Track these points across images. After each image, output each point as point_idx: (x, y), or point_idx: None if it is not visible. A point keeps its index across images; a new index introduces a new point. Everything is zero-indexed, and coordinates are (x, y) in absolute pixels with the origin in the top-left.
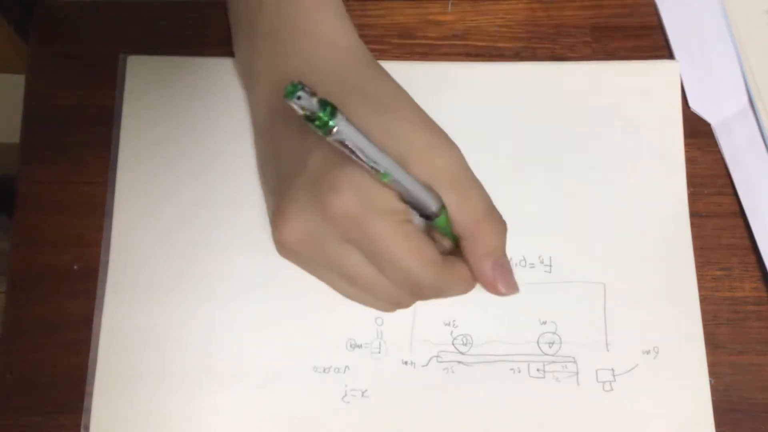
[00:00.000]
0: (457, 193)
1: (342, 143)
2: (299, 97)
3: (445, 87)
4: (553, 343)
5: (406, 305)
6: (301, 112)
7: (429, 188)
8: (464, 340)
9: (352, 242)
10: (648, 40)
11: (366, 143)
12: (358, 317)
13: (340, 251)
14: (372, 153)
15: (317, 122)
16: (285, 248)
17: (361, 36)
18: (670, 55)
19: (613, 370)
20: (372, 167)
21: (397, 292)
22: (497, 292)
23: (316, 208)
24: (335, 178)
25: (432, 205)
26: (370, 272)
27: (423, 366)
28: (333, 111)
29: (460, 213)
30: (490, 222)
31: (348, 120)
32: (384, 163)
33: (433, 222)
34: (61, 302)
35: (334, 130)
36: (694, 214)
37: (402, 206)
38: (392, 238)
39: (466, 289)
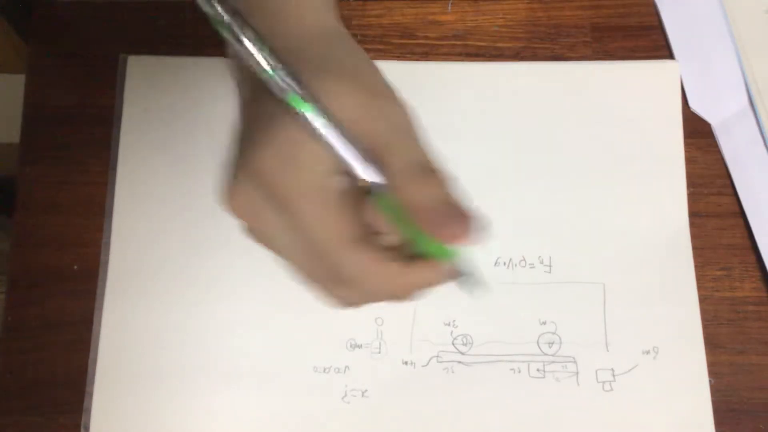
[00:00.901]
0: (386, 147)
1: (252, 58)
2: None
3: (445, 87)
4: (553, 343)
5: (348, 302)
6: (209, 12)
7: (361, 150)
8: (464, 340)
9: (274, 206)
10: (648, 40)
11: (271, 57)
12: (358, 317)
13: (267, 217)
14: (284, 75)
15: (225, 28)
16: (230, 212)
17: (362, 36)
18: (670, 55)
19: (613, 370)
20: (289, 90)
21: (323, 277)
22: (446, 240)
23: (242, 165)
24: (265, 131)
25: (359, 169)
26: (294, 247)
27: (423, 366)
28: (243, 20)
29: (393, 163)
30: (423, 175)
31: (257, 35)
32: (301, 91)
33: (373, 199)
34: (61, 302)
35: (237, 34)
36: (694, 214)
37: (331, 170)
38: (307, 200)
39: (395, 292)
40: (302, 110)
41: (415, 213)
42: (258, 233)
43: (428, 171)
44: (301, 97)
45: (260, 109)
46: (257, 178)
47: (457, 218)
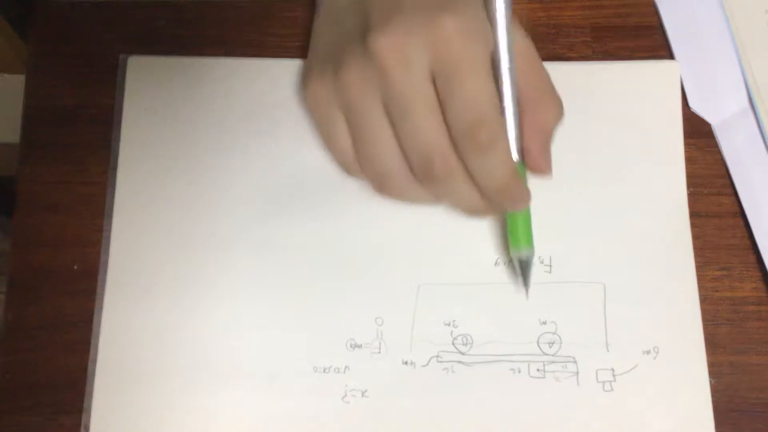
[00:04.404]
0: (527, 64)
1: None
2: None
3: None
4: (553, 343)
5: (421, 200)
6: None
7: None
8: (464, 340)
9: (435, 63)
10: (648, 40)
11: None
12: (358, 317)
13: (416, 71)
14: None
15: None
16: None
17: None
18: (670, 55)
19: (613, 370)
20: None
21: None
22: (537, 166)
23: (422, 25)
24: (449, 2)
25: (507, 69)
26: (407, 122)
27: (423, 366)
28: None
29: (530, 86)
30: (551, 100)
31: None
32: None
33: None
34: (61, 302)
35: None
36: (694, 214)
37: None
38: (478, 69)
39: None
40: None
41: (530, 129)
42: (371, 91)
43: (554, 94)
44: None
45: None
46: (436, 38)
47: (546, 159)
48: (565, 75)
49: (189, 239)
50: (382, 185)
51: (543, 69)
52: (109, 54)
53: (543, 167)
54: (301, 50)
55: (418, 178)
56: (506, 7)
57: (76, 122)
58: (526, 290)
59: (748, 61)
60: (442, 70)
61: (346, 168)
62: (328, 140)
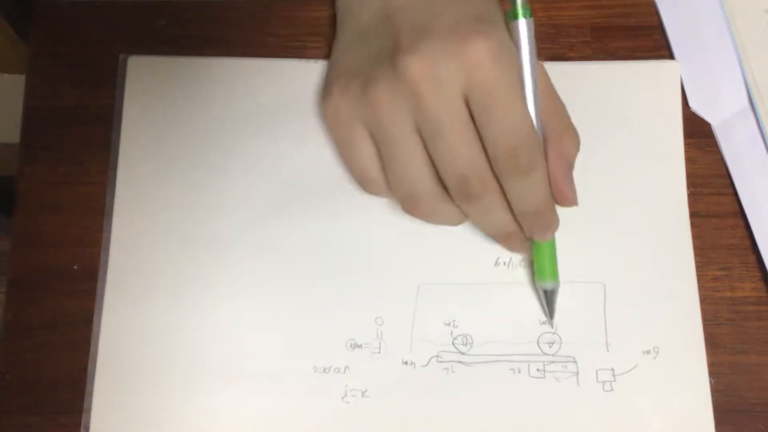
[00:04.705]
0: (546, 92)
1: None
2: None
3: None
4: (553, 343)
5: (449, 220)
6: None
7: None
8: (464, 340)
9: (468, 87)
10: (648, 40)
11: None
12: (358, 317)
13: (444, 89)
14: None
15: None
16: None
17: None
18: (670, 55)
19: (613, 370)
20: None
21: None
22: (564, 195)
23: (453, 50)
24: (479, 26)
25: (532, 96)
26: (437, 138)
27: (423, 366)
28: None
29: (551, 116)
30: (572, 131)
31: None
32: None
33: None
34: (61, 302)
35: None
36: (694, 214)
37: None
38: (506, 91)
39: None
40: (523, 17)
41: (555, 161)
42: (399, 107)
43: (573, 128)
44: (524, 7)
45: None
46: (469, 62)
47: (570, 187)
48: (565, 75)
49: (189, 239)
50: (412, 205)
51: (559, 97)
52: (109, 54)
53: (569, 195)
54: (301, 50)
55: (453, 198)
56: (530, 34)
57: (76, 122)
58: (551, 320)
59: (748, 61)
60: (478, 95)
61: (367, 185)
62: (349, 156)
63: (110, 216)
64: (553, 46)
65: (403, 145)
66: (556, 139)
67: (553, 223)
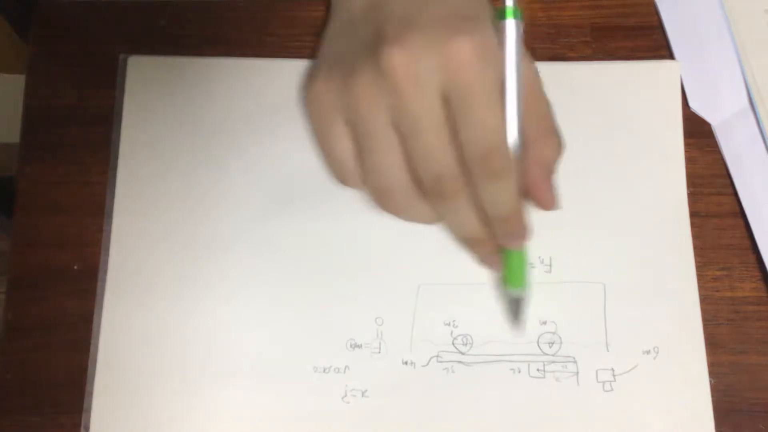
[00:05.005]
0: (532, 96)
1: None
2: None
3: None
4: (553, 343)
5: (422, 218)
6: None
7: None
8: (464, 340)
9: (448, 86)
10: (648, 40)
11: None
12: (358, 317)
13: (423, 90)
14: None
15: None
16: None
17: None
18: (670, 55)
19: (613, 370)
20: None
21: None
22: (542, 199)
23: (436, 46)
24: (465, 23)
25: (513, 97)
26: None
27: (423, 366)
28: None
29: (535, 119)
30: (554, 135)
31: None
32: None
33: None
34: (61, 302)
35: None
36: (694, 214)
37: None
38: (486, 94)
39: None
40: (510, 18)
41: (534, 164)
42: (380, 105)
43: (556, 132)
44: (514, 8)
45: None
46: (450, 61)
47: (548, 191)
48: (565, 75)
49: (189, 239)
50: (385, 200)
51: (547, 101)
52: (109, 54)
53: (548, 199)
54: (301, 50)
55: (426, 195)
56: (517, 35)
57: (76, 122)
58: (519, 327)
59: (748, 61)
60: (456, 95)
61: (341, 176)
62: (324, 144)
63: (110, 216)
64: (553, 46)
65: (380, 139)
66: (537, 142)
67: (522, 231)
